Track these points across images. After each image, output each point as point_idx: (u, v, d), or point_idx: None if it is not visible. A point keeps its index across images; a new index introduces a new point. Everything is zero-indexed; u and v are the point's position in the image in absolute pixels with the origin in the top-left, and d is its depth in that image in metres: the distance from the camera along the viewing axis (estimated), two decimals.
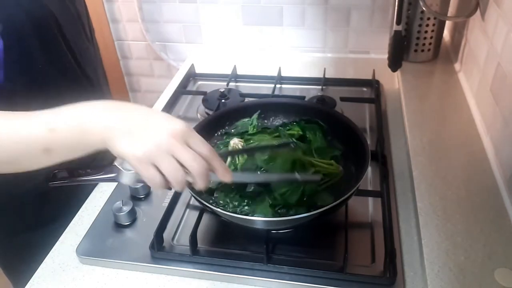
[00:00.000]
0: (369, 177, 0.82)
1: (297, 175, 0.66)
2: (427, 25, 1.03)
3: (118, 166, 0.51)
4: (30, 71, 0.71)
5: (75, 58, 0.80)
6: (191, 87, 1.19)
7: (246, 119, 0.84)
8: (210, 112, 1.01)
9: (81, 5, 0.84)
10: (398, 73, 1.07)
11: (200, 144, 0.51)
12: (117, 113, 0.51)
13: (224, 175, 0.55)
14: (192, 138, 0.51)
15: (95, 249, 0.71)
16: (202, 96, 1.06)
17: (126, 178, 0.52)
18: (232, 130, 0.82)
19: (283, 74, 1.15)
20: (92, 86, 0.86)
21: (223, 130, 0.84)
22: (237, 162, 0.72)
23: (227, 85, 1.12)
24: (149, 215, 0.76)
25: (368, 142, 0.73)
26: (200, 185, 0.52)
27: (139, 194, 0.80)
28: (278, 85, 1.13)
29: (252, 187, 0.67)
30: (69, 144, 0.51)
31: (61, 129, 0.50)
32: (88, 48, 0.86)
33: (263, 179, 0.67)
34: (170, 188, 0.52)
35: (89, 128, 0.50)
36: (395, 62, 1.04)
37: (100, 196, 0.82)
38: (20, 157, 0.52)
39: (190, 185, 0.54)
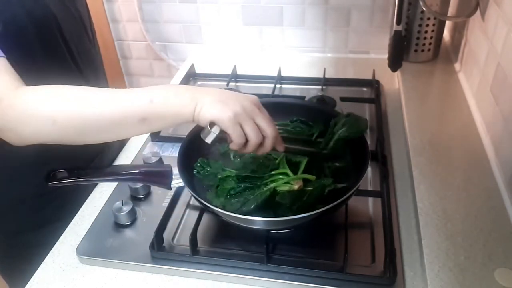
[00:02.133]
0: (369, 177, 0.82)
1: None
2: (427, 25, 1.03)
3: (209, 128, 0.58)
4: (30, 71, 0.71)
5: (74, 59, 0.80)
6: None
7: None
8: None
9: (82, 7, 0.84)
10: (398, 73, 1.07)
11: (268, 114, 0.61)
12: (202, 90, 0.59)
13: (280, 144, 0.64)
14: (262, 108, 0.61)
15: (95, 249, 0.71)
16: None
17: (211, 138, 0.58)
18: None
19: (283, 74, 1.15)
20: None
21: None
22: None
23: (227, 85, 1.12)
24: (149, 215, 0.76)
25: (368, 142, 0.73)
26: (268, 148, 0.61)
27: (139, 194, 0.80)
28: (278, 85, 1.13)
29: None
30: (165, 115, 0.57)
31: (159, 100, 0.57)
32: (89, 50, 0.86)
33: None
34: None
35: (183, 101, 0.57)
36: (395, 62, 1.03)
37: (100, 196, 0.82)
38: (120, 125, 0.58)
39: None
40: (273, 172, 0.70)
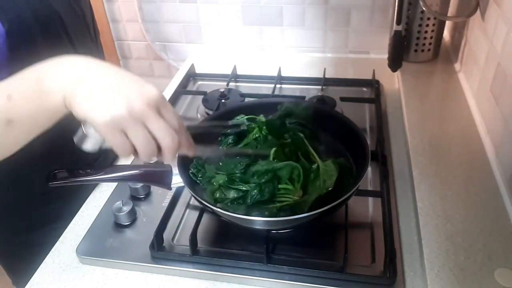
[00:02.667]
0: (369, 177, 0.82)
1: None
2: (427, 25, 1.03)
3: (83, 130, 0.44)
4: None
5: None
6: (191, 87, 1.19)
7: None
8: (210, 112, 1.01)
9: (86, 6, 0.85)
10: (398, 73, 1.07)
11: (173, 115, 0.48)
12: (81, 70, 0.45)
13: (189, 149, 0.52)
14: (165, 107, 0.47)
15: (95, 249, 0.71)
16: (202, 96, 1.06)
17: (90, 144, 0.45)
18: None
19: (283, 74, 1.15)
20: None
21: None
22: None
23: (227, 85, 1.12)
24: (149, 215, 0.76)
25: (368, 142, 0.73)
26: (168, 159, 0.49)
27: (139, 194, 0.80)
28: (278, 85, 1.13)
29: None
30: (30, 111, 0.45)
31: (19, 94, 0.45)
32: (92, 49, 0.86)
33: (224, 152, 0.63)
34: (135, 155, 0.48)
35: (46, 87, 0.44)
36: (395, 62, 1.04)
37: (100, 196, 0.82)
38: None
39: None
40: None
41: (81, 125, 0.44)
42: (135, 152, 0.47)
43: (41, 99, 0.45)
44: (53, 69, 0.46)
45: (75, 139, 0.46)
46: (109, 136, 0.44)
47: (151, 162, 0.50)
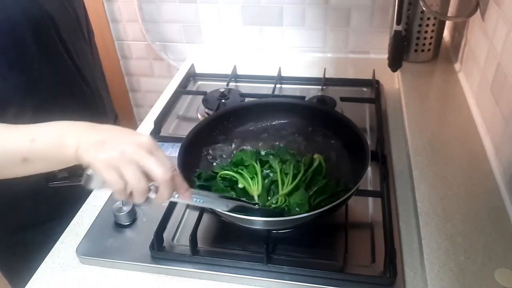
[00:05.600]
0: (369, 177, 0.82)
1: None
2: (427, 25, 1.03)
3: (87, 173, 0.51)
4: (26, 70, 0.71)
5: (72, 59, 0.80)
6: (191, 87, 1.19)
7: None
8: (210, 112, 1.01)
9: (79, 7, 0.84)
10: (398, 73, 1.07)
11: (164, 158, 0.52)
12: (91, 129, 0.54)
13: (183, 191, 0.55)
14: (157, 151, 0.52)
15: (95, 249, 0.71)
16: (202, 96, 1.06)
17: (95, 184, 0.52)
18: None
19: (283, 74, 1.15)
20: (89, 88, 0.86)
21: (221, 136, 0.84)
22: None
23: (227, 85, 1.12)
24: (149, 215, 0.76)
25: (368, 142, 0.73)
26: (163, 195, 0.52)
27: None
28: (278, 85, 1.13)
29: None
30: (46, 156, 0.53)
31: (41, 140, 0.53)
32: (85, 50, 0.86)
33: (220, 205, 0.63)
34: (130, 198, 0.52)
35: (66, 142, 0.52)
36: (395, 62, 1.04)
37: (100, 196, 0.82)
38: (2, 166, 0.55)
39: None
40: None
41: (86, 170, 0.51)
42: (130, 194, 0.51)
43: (58, 149, 0.52)
44: (71, 128, 0.54)
45: (82, 181, 0.51)
46: (105, 172, 0.49)
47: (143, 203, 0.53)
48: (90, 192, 0.84)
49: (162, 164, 0.51)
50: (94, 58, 0.91)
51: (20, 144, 0.53)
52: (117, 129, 0.55)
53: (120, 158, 0.49)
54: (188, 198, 0.56)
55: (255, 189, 0.72)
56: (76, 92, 0.84)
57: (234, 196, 0.72)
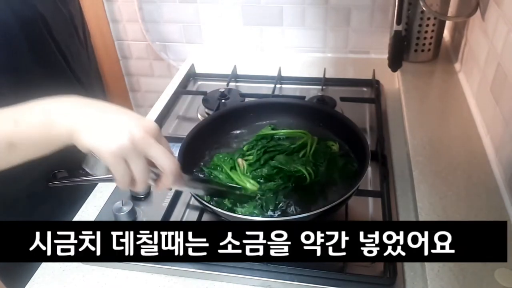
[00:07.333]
0: (369, 177, 0.82)
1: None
2: (427, 25, 1.03)
3: (91, 158, 0.48)
4: (17, 71, 0.71)
5: (66, 60, 0.79)
6: (191, 87, 1.19)
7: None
8: (210, 112, 1.01)
9: (74, 8, 0.84)
10: (398, 73, 1.07)
11: (168, 146, 0.52)
12: (85, 108, 0.50)
13: (180, 182, 0.55)
14: (161, 137, 0.51)
15: None
16: (202, 96, 1.06)
17: (99, 170, 0.49)
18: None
19: (283, 74, 1.15)
20: (84, 90, 0.85)
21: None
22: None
23: (227, 85, 1.12)
24: (149, 215, 0.76)
25: (368, 142, 0.73)
26: (168, 183, 0.51)
27: (139, 194, 0.80)
28: (278, 85, 1.13)
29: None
30: (34, 138, 0.49)
31: (26, 122, 0.48)
32: (80, 51, 0.86)
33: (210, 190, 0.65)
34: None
35: (56, 122, 0.48)
36: (395, 62, 1.04)
37: (100, 196, 0.82)
38: None
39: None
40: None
41: (88, 154, 0.47)
42: (132, 182, 0.49)
43: (46, 130, 0.48)
44: (59, 105, 0.50)
45: (85, 166, 0.49)
46: (114, 165, 0.47)
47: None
48: (90, 192, 0.84)
49: (170, 155, 0.50)
50: (90, 59, 0.91)
51: (3, 127, 0.48)
52: (115, 108, 0.50)
53: (129, 147, 0.46)
54: (182, 185, 0.56)
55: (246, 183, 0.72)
56: (69, 94, 0.83)
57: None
